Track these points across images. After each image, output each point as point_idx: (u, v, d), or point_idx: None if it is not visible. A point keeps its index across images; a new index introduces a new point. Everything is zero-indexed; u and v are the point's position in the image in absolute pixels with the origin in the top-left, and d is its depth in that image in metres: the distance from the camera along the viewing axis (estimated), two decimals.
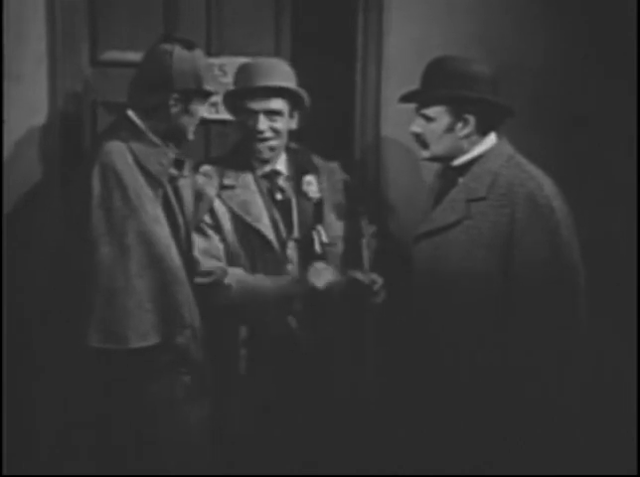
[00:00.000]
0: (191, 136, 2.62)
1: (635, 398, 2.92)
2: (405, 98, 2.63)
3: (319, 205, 2.71)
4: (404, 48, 2.98)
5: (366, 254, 2.63)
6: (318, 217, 2.70)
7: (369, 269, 2.63)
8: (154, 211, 2.54)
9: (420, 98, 2.58)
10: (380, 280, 2.66)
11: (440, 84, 2.54)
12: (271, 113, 2.64)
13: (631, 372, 2.93)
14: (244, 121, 2.67)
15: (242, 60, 3.05)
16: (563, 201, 2.51)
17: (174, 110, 2.55)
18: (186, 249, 2.63)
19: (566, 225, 2.48)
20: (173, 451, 2.57)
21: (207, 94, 2.61)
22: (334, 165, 2.81)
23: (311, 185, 2.70)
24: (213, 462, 2.65)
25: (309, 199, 2.71)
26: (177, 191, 2.65)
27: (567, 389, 2.49)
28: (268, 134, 2.65)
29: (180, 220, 2.63)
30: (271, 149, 2.67)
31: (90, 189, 2.47)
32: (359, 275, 2.64)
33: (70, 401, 2.67)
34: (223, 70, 3.05)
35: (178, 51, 2.53)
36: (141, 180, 2.53)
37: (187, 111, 2.57)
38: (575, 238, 2.49)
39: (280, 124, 2.65)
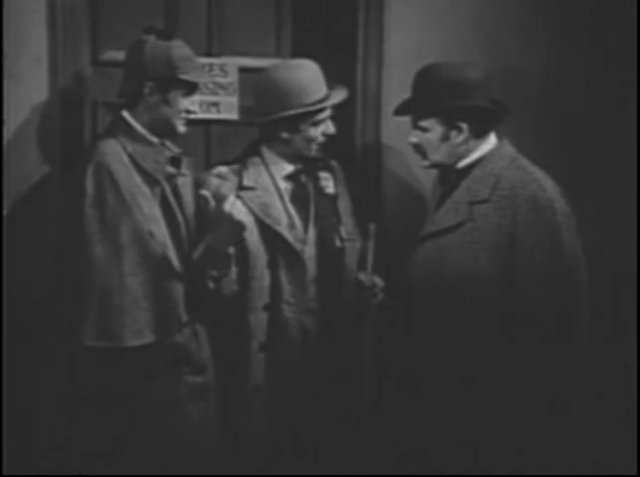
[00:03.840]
0: (180, 129, 2.60)
1: (635, 398, 2.93)
2: (398, 111, 2.64)
3: (335, 200, 2.73)
4: (405, 48, 2.98)
5: (370, 256, 2.64)
6: (335, 212, 2.72)
7: (371, 271, 2.64)
8: (151, 209, 2.54)
9: (412, 111, 2.60)
10: (380, 283, 2.68)
11: (428, 96, 2.55)
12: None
13: (631, 372, 2.93)
14: (303, 131, 2.65)
15: (243, 60, 3.07)
16: (566, 203, 2.51)
17: (151, 99, 2.55)
18: (187, 248, 2.62)
19: (568, 226, 2.49)
20: (175, 452, 2.57)
21: (188, 85, 2.58)
22: (335, 163, 2.82)
23: (328, 180, 2.72)
24: (215, 463, 2.65)
25: (326, 194, 2.72)
26: (176, 189, 2.65)
27: (568, 389, 2.49)
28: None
29: (179, 218, 2.63)
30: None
31: (84, 188, 2.47)
32: (362, 276, 2.65)
33: (70, 402, 2.67)
34: (223, 70, 3.05)
35: (152, 40, 2.54)
36: (137, 179, 2.53)
37: (166, 101, 2.56)
38: (577, 239, 2.50)
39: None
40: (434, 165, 2.63)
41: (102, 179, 2.48)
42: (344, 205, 2.77)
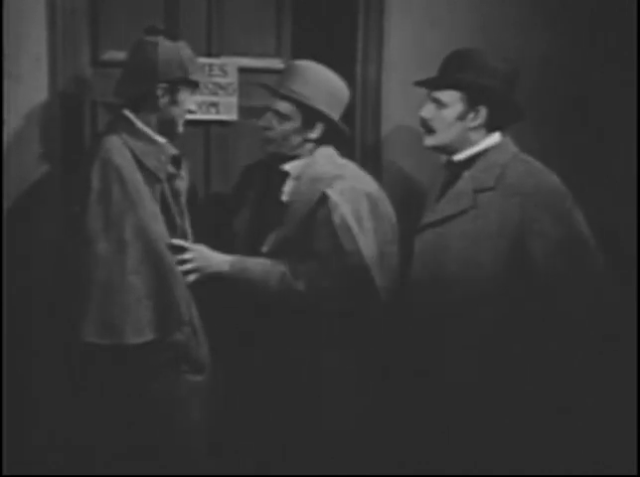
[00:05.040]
0: (180, 129, 2.63)
1: (635, 399, 2.93)
2: (421, 82, 2.62)
3: (285, 207, 2.71)
4: (405, 49, 2.99)
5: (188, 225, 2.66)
6: (279, 218, 2.70)
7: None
8: (152, 208, 2.54)
9: (435, 81, 2.58)
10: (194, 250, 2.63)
11: (460, 71, 2.53)
12: (278, 114, 2.66)
13: (631, 372, 2.93)
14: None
15: (243, 60, 3.07)
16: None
17: (162, 101, 2.56)
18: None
19: (578, 211, 2.49)
20: (174, 450, 2.57)
21: (193, 85, 2.62)
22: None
23: (287, 188, 2.72)
24: (213, 462, 2.65)
25: (279, 200, 2.73)
26: (174, 190, 2.65)
27: (568, 389, 2.49)
28: (269, 134, 2.67)
29: (177, 219, 2.64)
30: (271, 148, 2.69)
31: (89, 184, 2.47)
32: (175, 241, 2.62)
33: (71, 401, 2.67)
34: (223, 70, 3.05)
35: (162, 41, 2.54)
36: (139, 177, 2.54)
37: (175, 102, 2.58)
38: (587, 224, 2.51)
39: (283, 128, 2.66)
40: (438, 146, 2.60)
41: (109, 174, 2.48)
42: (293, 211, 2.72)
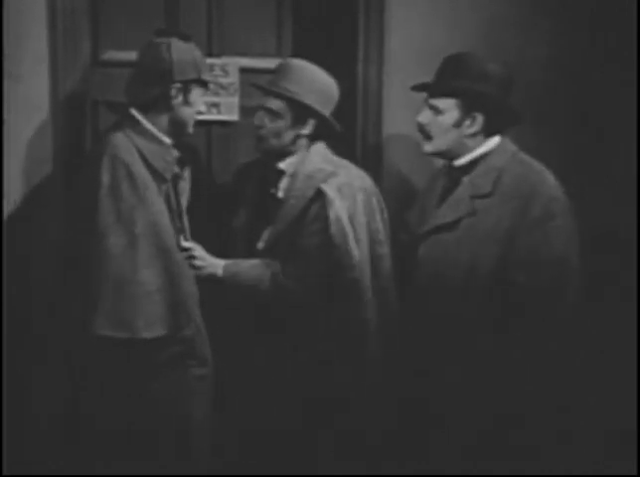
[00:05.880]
0: (191, 130, 2.64)
1: (635, 398, 2.93)
2: (417, 87, 2.63)
3: (280, 204, 2.73)
4: (406, 48, 2.99)
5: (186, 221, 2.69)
6: (276, 215, 2.72)
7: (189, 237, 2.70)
8: (160, 204, 2.55)
9: (431, 88, 2.59)
10: (195, 248, 2.70)
11: (455, 77, 2.54)
12: (269, 112, 2.68)
13: (631, 372, 2.94)
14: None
15: (244, 60, 3.07)
16: (564, 192, 2.52)
17: (175, 102, 2.58)
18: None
19: (562, 213, 2.48)
20: (176, 449, 2.58)
21: (204, 86, 2.64)
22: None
23: (283, 185, 2.74)
24: (215, 458, 2.66)
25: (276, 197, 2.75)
26: (177, 191, 2.66)
27: (567, 388, 2.50)
28: (262, 132, 2.69)
29: (177, 220, 2.64)
30: (264, 145, 2.71)
31: (99, 179, 2.47)
32: (185, 243, 2.68)
33: (71, 401, 2.67)
34: (224, 70, 3.06)
35: (175, 42, 2.56)
36: (146, 174, 2.54)
37: (187, 102, 2.59)
38: (573, 228, 2.50)
39: (274, 125, 2.68)
40: (436, 152, 2.61)
41: (118, 170, 2.48)
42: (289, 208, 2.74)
